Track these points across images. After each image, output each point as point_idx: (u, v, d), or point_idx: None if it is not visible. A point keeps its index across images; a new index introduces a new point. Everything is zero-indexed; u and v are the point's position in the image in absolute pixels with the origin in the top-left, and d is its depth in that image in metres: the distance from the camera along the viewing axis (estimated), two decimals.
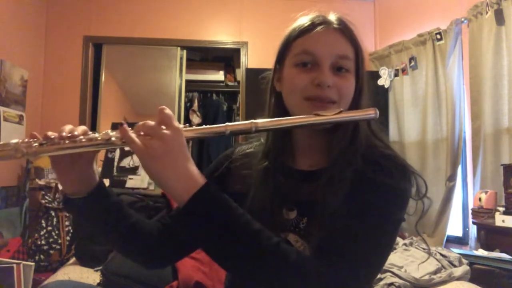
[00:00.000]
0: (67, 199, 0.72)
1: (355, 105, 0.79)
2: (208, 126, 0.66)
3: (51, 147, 0.62)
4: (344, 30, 0.78)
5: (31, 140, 0.63)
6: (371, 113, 0.69)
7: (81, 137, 0.63)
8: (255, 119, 0.68)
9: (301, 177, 0.81)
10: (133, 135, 0.60)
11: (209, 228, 0.60)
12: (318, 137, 0.81)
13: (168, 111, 0.62)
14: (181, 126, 0.62)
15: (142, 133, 0.61)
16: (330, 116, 0.68)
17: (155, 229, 0.81)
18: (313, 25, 0.77)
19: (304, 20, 0.79)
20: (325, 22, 0.78)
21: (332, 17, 0.79)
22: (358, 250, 0.66)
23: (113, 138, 0.62)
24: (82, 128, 0.65)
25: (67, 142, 0.62)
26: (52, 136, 0.63)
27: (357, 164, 0.73)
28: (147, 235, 0.79)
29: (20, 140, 0.62)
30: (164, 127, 0.60)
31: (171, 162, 0.59)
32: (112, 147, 0.64)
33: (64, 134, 0.63)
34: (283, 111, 0.80)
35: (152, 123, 0.61)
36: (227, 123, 0.65)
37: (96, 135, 0.63)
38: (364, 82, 0.81)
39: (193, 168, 0.62)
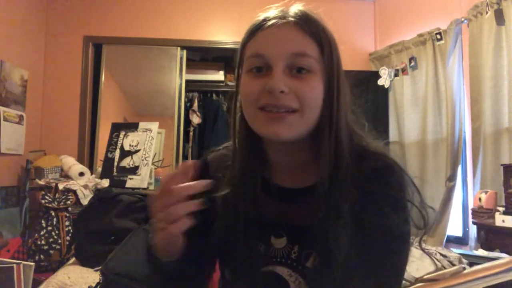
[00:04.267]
0: (159, 262, 0.66)
1: (328, 113, 0.65)
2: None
3: None
4: (302, 23, 0.64)
5: None
6: None
7: None
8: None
9: (286, 196, 0.70)
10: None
11: None
12: (294, 154, 0.69)
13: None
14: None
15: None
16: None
17: None
18: (263, 22, 0.66)
19: (259, 17, 0.68)
20: (279, 17, 0.65)
21: (292, 10, 0.67)
22: None
23: None
24: None
25: None
26: None
27: (353, 182, 0.64)
28: None
29: None
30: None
31: None
32: None
33: None
34: (248, 129, 0.69)
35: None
36: None
37: None
38: (340, 83, 0.67)
39: None
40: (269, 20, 0.65)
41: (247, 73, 0.67)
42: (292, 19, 0.65)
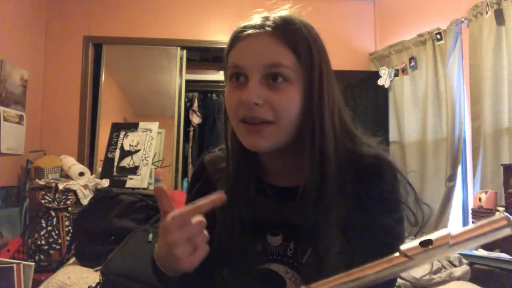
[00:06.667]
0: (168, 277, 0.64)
1: (309, 119, 0.65)
2: None
3: None
4: (279, 32, 0.65)
5: None
6: (501, 225, 0.41)
7: None
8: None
9: (280, 195, 0.71)
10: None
11: None
12: (282, 158, 0.70)
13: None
14: None
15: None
16: (421, 250, 0.42)
17: None
18: (241, 32, 0.67)
19: (239, 25, 0.69)
20: (257, 27, 0.66)
21: (272, 17, 0.67)
22: None
23: None
24: None
25: None
26: None
27: (345, 183, 0.65)
28: None
29: None
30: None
31: None
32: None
33: None
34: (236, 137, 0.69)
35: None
36: None
37: None
38: (323, 88, 0.66)
39: None
40: (247, 30, 0.66)
41: (229, 81, 0.68)
42: (269, 28, 0.65)
